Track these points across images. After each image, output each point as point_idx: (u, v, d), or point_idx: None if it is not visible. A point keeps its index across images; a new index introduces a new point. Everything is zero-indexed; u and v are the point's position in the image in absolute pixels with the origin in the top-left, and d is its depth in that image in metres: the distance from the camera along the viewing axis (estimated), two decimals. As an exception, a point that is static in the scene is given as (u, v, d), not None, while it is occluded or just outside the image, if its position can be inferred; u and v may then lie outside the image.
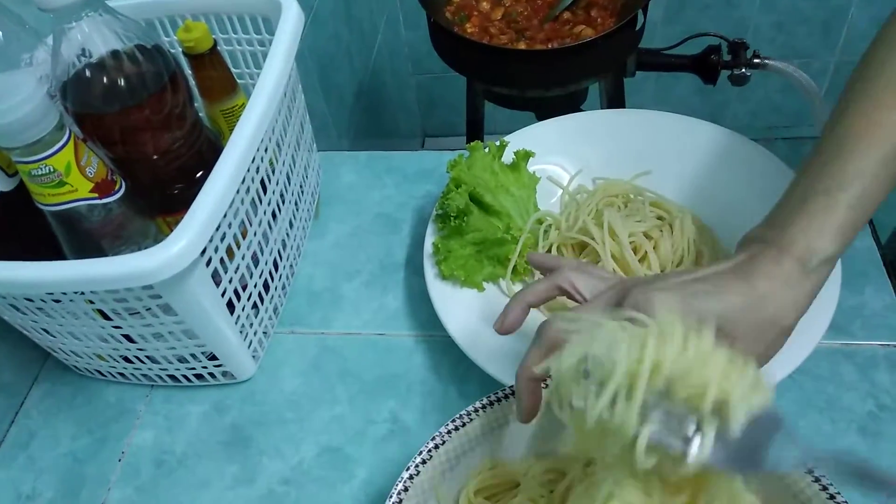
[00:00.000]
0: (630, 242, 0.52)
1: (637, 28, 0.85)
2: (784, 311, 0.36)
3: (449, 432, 0.40)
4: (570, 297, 0.41)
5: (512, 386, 0.41)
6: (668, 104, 0.60)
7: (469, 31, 0.89)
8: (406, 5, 1.47)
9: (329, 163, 0.69)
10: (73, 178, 0.41)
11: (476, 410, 0.41)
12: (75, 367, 0.55)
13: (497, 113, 1.01)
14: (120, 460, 0.51)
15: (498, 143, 0.58)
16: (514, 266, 0.54)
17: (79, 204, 0.42)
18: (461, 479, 0.41)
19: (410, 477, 0.39)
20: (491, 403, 0.41)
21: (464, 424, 0.40)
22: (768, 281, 0.36)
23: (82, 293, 0.43)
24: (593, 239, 0.53)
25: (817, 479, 0.37)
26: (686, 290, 0.37)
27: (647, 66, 1.01)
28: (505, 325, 0.42)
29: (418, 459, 0.39)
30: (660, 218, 0.56)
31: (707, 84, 1.01)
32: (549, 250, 0.55)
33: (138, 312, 0.45)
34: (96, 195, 0.42)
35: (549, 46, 0.84)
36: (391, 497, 0.38)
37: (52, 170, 0.40)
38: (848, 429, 0.46)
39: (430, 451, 0.39)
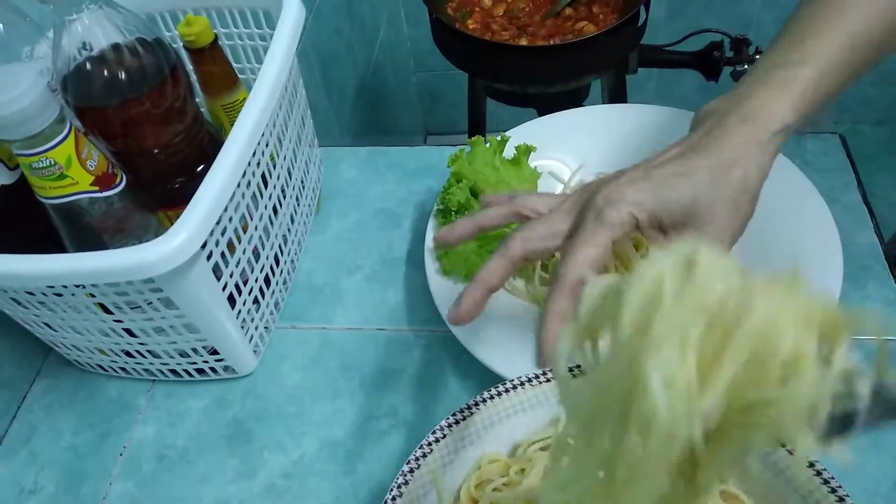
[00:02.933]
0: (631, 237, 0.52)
1: (639, 24, 0.84)
2: (751, 176, 0.36)
3: (449, 426, 0.40)
4: (527, 219, 0.39)
5: (513, 380, 0.41)
6: (671, 101, 0.59)
7: (471, 27, 0.89)
8: (408, 2, 1.47)
9: (330, 158, 0.69)
10: (73, 171, 0.41)
11: (476, 404, 0.41)
12: (77, 361, 0.55)
13: (499, 110, 1.01)
14: (121, 455, 0.51)
15: (499, 138, 0.58)
16: (516, 261, 0.54)
17: (80, 197, 0.42)
18: (461, 473, 0.41)
19: (411, 471, 0.39)
20: (492, 398, 0.41)
21: (464, 418, 0.40)
22: (732, 149, 0.36)
23: (83, 286, 0.43)
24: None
25: (819, 473, 0.36)
26: (654, 178, 0.36)
27: (649, 62, 1.00)
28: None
29: (418, 453, 0.39)
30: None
31: (709, 80, 1.01)
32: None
33: (139, 306, 0.45)
34: (97, 188, 0.42)
35: (551, 42, 0.84)
36: (391, 490, 0.38)
37: (52, 162, 0.40)
38: (850, 423, 0.46)
39: (430, 444, 0.39)
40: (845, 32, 0.38)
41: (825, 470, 0.36)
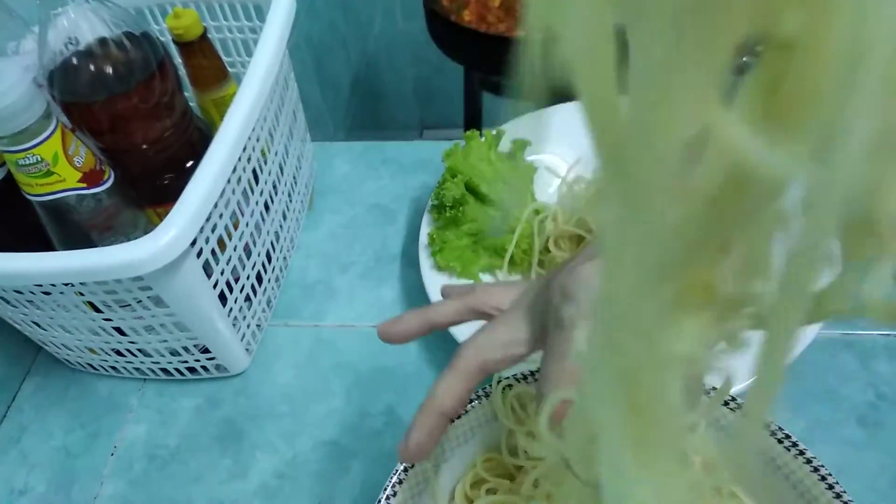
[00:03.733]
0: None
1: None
2: None
3: (444, 425, 0.40)
4: (486, 316, 0.34)
5: (508, 377, 0.41)
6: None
7: (467, 19, 0.88)
8: (403, -6, 1.46)
9: (324, 153, 0.68)
10: (60, 168, 0.40)
11: (471, 402, 0.40)
12: (67, 360, 0.54)
13: (497, 103, 1.00)
14: (112, 454, 0.51)
15: (495, 133, 0.57)
16: (511, 257, 0.54)
17: (67, 194, 0.41)
18: (457, 471, 0.41)
19: (405, 469, 0.38)
20: (486, 395, 0.40)
21: (459, 416, 0.40)
22: None
23: (72, 285, 0.43)
24: (591, 232, 0.53)
25: (816, 469, 0.36)
26: None
27: (646, 55, 1.00)
28: (391, 331, 0.34)
29: (413, 452, 0.39)
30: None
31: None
32: (546, 244, 0.55)
33: (129, 305, 0.45)
34: (85, 185, 0.42)
35: (547, 35, 0.83)
36: (385, 490, 0.37)
37: (39, 159, 0.39)
38: (847, 419, 0.45)
39: (424, 443, 0.39)
40: None
41: (822, 466, 0.36)
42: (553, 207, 0.57)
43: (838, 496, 0.35)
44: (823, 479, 0.36)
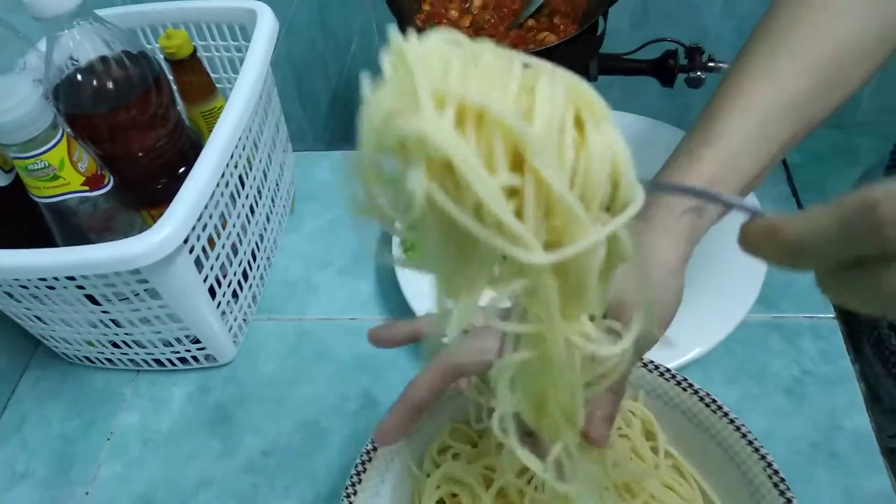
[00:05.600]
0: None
1: (598, 34, 0.89)
2: (663, 252, 0.36)
3: (414, 399, 0.44)
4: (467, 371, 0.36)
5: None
6: (634, 106, 0.65)
7: (438, 38, 0.93)
8: (379, 14, 1.51)
9: (305, 162, 0.73)
10: (66, 173, 0.45)
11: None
12: (65, 354, 0.58)
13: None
14: (108, 440, 0.55)
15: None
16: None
17: (71, 196, 0.46)
18: (425, 440, 0.45)
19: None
20: (451, 373, 0.45)
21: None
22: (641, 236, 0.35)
23: (74, 279, 0.47)
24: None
25: (751, 443, 0.41)
26: None
27: (609, 70, 1.06)
28: (382, 434, 0.38)
29: (385, 424, 0.43)
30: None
31: (665, 87, 1.07)
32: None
33: (127, 297, 0.49)
34: (87, 188, 0.46)
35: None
36: (361, 456, 0.41)
37: (46, 164, 0.44)
38: (775, 391, 0.51)
39: (396, 415, 0.43)
40: (752, 110, 0.38)
41: (749, 433, 0.40)
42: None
43: (763, 458, 0.40)
44: (750, 443, 0.41)
